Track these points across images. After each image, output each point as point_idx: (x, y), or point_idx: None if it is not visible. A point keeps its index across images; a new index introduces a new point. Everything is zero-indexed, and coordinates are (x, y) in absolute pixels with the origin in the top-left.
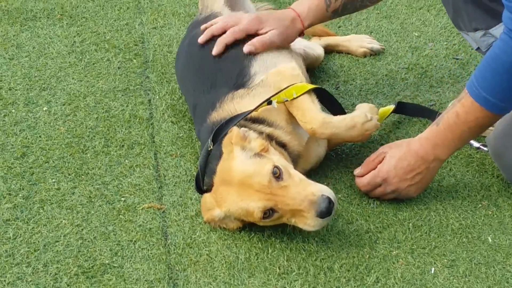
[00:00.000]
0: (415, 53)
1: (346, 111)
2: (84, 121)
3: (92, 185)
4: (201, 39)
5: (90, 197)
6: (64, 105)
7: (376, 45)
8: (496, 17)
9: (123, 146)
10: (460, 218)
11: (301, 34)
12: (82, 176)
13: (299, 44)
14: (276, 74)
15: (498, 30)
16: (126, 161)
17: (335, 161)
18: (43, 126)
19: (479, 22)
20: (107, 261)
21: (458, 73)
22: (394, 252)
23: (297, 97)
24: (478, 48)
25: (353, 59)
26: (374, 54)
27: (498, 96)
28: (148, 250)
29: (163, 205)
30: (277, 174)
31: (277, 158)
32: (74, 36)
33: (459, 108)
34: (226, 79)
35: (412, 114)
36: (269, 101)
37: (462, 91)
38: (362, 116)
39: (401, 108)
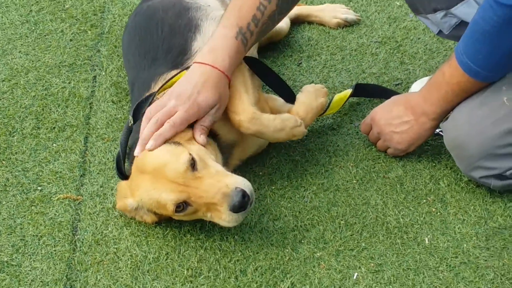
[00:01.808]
0: (392, 25)
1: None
2: (20, 99)
3: (11, 172)
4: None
5: (5, 185)
6: (3, 81)
7: (351, 15)
8: None
9: (54, 128)
10: (399, 216)
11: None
12: (3, 162)
13: None
14: None
15: (460, 9)
16: (54, 145)
17: (277, 147)
18: None
19: (439, 2)
20: (6, 259)
21: (434, 48)
22: (318, 254)
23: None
24: (439, 32)
25: (323, 31)
26: (349, 25)
27: (480, 64)
28: (53, 246)
29: (80, 195)
30: (192, 163)
31: (196, 148)
32: (32, 5)
33: (446, 69)
34: (167, 54)
35: (372, 96)
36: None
37: (434, 69)
38: (292, 120)
39: (360, 90)
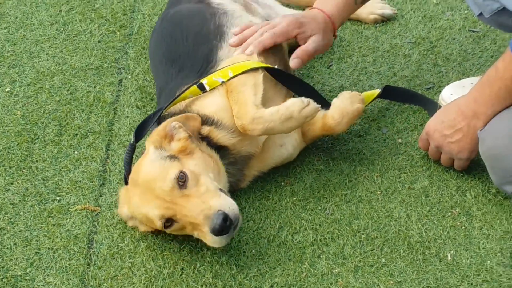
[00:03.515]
0: (427, 24)
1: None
2: (44, 104)
3: (31, 181)
4: (232, 42)
5: (24, 195)
6: (29, 85)
7: (387, 10)
8: None
9: (76, 134)
10: (422, 230)
11: (334, 36)
12: (23, 170)
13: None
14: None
15: None
16: (76, 152)
17: (300, 156)
18: (0, 110)
19: None
20: (19, 273)
21: (470, 49)
22: (336, 270)
23: (233, 77)
24: (480, 14)
25: (356, 31)
26: (386, 20)
27: None
28: (67, 260)
29: (98, 206)
30: (182, 180)
31: (193, 163)
32: (62, 4)
33: (500, 63)
34: (193, 63)
35: (401, 100)
36: (200, 85)
37: (468, 72)
38: (297, 103)
39: (388, 92)
